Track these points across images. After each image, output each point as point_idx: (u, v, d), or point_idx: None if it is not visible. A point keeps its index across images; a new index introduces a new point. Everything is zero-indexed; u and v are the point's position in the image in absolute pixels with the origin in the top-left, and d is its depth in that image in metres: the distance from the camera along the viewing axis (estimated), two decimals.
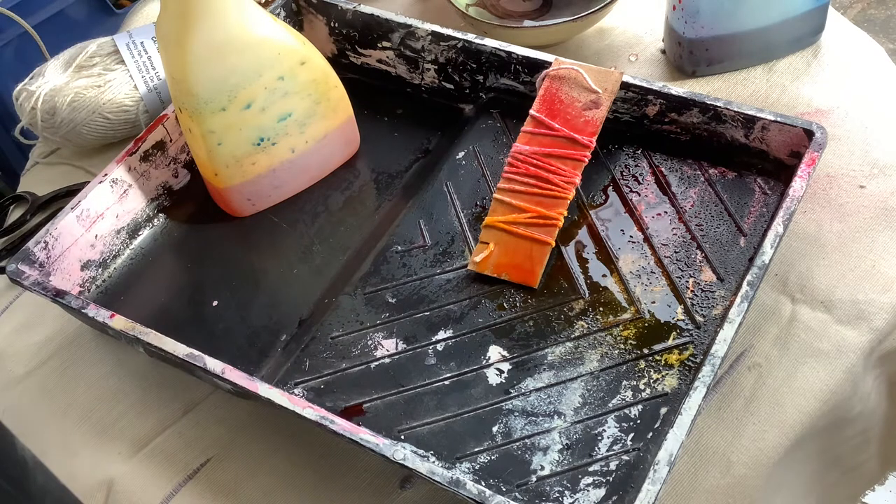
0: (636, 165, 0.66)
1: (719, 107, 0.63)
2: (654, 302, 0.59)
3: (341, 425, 0.51)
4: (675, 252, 0.61)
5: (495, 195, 0.62)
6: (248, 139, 0.65)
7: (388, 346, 0.59)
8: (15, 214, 0.78)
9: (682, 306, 0.58)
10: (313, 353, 0.60)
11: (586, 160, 0.61)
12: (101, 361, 0.65)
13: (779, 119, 0.61)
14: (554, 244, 0.61)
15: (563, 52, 0.72)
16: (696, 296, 0.58)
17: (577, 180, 0.61)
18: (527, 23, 0.77)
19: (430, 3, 0.84)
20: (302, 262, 0.66)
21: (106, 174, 0.66)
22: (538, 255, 0.61)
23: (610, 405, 0.55)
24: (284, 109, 0.65)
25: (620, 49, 0.76)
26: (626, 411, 0.54)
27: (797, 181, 0.58)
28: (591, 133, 0.61)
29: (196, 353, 0.56)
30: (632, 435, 0.53)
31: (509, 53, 0.68)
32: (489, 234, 0.62)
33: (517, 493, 0.52)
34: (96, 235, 0.66)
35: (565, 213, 0.61)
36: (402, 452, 0.50)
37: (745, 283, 0.54)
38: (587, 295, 0.60)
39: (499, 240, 0.61)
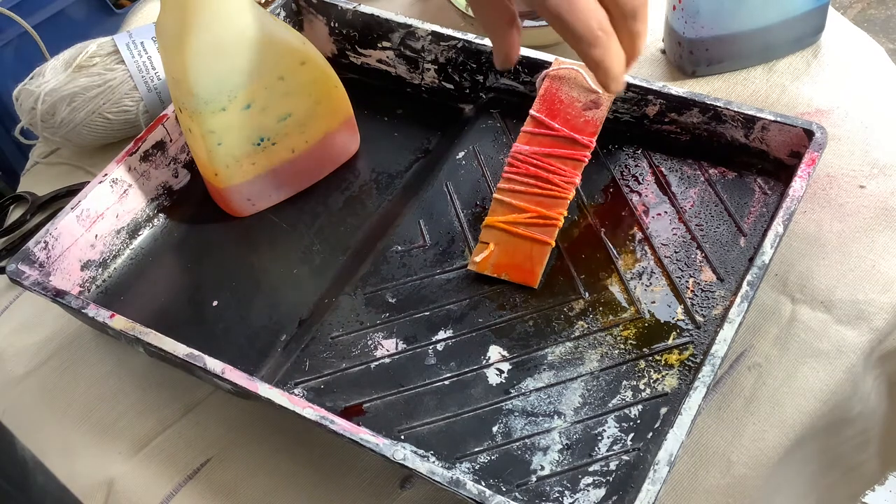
0: (636, 165, 0.66)
1: (719, 107, 0.63)
2: (654, 302, 0.59)
3: (341, 425, 0.51)
4: (675, 252, 0.61)
5: (495, 195, 0.62)
6: (248, 139, 0.65)
7: (388, 346, 0.59)
8: (15, 214, 0.78)
9: (682, 306, 0.58)
10: (313, 353, 0.60)
11: (586, 160, 0.61)
12: (101, 361, 0.65)
13: (779, 119, 0.61)
14: (554, 244, 0.61)
15: (563, 52, 0.72)
16: (696, 296, 0.58)
17: (577, 180, 0.61)
18: (527, 23, 0.77)
19: (430, 3, 0.84)
20: (302, 262, 0.66)
21: (106, 174, 0.66)
22: (538, 255, 0.61)
23: (610, 405, 0.55)
24: (284, 109, 0.65)
25: None
26: (626, 411, 0.54)
27: (797, 181, 0.58)
28: (591, 133, 0.61)
29: (196, 353, 0.56)
30: (632, 435, 0.53)
31: None
32: (489, 234, 0.62)
33: (517, 493, 0.52)
34: (96, 235, 0.66)
35: (565, 213, 0.61)
36: (402, 452, 0.50)
37: (745, 283, 0.54)
38: (587, 295, 0.60)
39: (499, 240, 0.61)
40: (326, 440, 0.57)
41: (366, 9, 0.73)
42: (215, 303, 0.64)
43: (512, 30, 0.59)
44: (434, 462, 0.52)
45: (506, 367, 0.57)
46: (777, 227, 0.56)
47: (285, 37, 0.63)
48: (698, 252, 0.60)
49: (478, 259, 0.61)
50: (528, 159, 0.61)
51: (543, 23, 0.76)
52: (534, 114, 0.62)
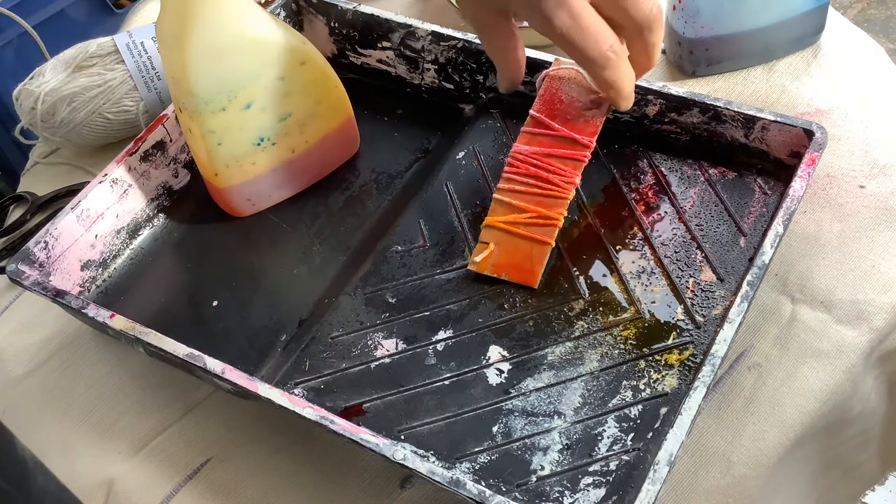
0: (636, 165, 0.66)
1: (719, 107, 0.63)
2: (654, 302, 0.59)
3: (341, 425, 0.51)
4: (675, 252, 0.61)
5: (495, 195, 0.62)
6: (248, 139, 0.65)
7: (388, 346, 0.59)
8: (15, 214, 0.78)
9: (682, 306, 0.58)
10: (313, 353, 0.60)
11: (586, 160, 0.61)
12: (101, 361, 0.65)
13: (779, 119, 0.61)
14: (554, 244, 0.61)
15: (563, 53, 0.72)
16: (696, 296, 0.58)
17: (577, 180, 0.61)
18: (526, 23, 0.77)
19: (430, 3, 0.84)
20: (302, 262, 0.66)
21: (106, 174, 0.66)
22: (538, 255, 0.61)
23: (610, 405, 0.55)
24: (284, 109, 0.65)
25: None
26: (626, 411, 0.54)
27: (797, 181, 0.58)
28: (590, 133, 0.61)
29: (196, 353, 0.56)
30: (632, 435, 0.53)
31: None
32: (489, 234, 0.62)
33: (517, 493, 0.52)
34: (96, 235, 0.66)
35: (565, 213, 0.61)
36: (402, 452, 0.50)
37: (745, 283, 0.54)
38: (587, 295, 0.60)
39: (499, 240, 0.61)
40: (326, 440, 0.57)
41: (366, 9, 0.73)
42: (215, 303, 0.64)
43: (517, 53, 0.59)
44: (434, 462, 0.52)
45: (506, 367, 0.57)
46: (777, 227, 0.56)
47: (285, 37, 0.63)
48: (698, 252, 0.60)
49: (478, 259, 0.61)
50: (527, 159, 0.61)
51: None
52: (533, 114, 0.62)
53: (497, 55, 0.60)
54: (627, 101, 0.56)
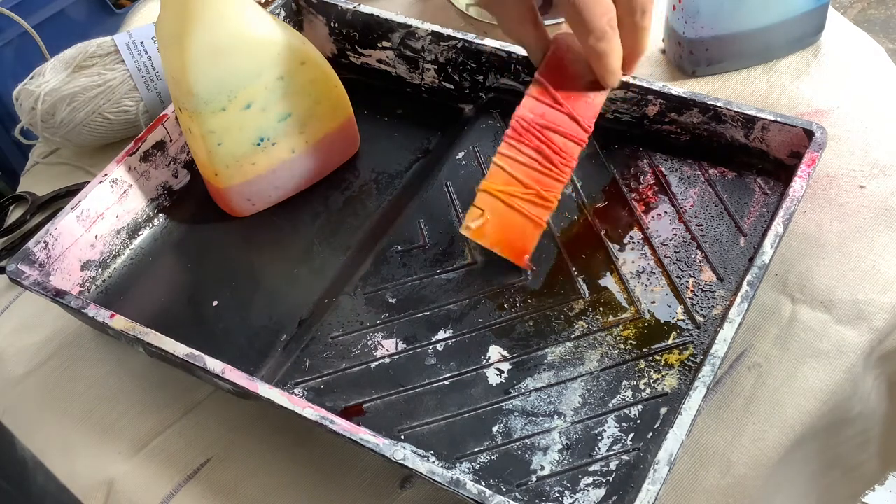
0: (636, 165, 0.66)
1: (719, 107, 0.63)
2: (654, 302, 0.59)
3: (341, 425, 0.51)
4: (675, 252, 0.61)
5: (495, 160, 0.60)
6: (248, 139, 0.65)
7: (388, 346, 0.59)
8: (15, 214, 0.78)
9: (682, 306, 0.58)
10: (313, 353, 0.60)
11: (584, 143, 0.59)
12: (101, 361, 0.65)
13: (779, 119, 0.61)
14: (546, 226, 0.60)
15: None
16: (696, 296, 0.58)
17: (574, 163, 0.59)
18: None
19: (430, 3, 0.84)
20: (302, 262, 0.66)
21: (106, 174, 0.66)
22: (531, 235, 0.60)
23: (610, 405, 0.55)
24: (284, 109, 0.65)
25: None
26: (626, 411, 0.54)
27: (797, 181, 0.58)
28: (591, 116, 0.59)
29: (196, 353, 0.56)
30: (632, 435, 0.53)
31: (509, 53, 0.68)
32: (485, 200, 0.60)
33: (517, 493, 0.52)
34: (96, 235, 0.66)
35: (559, 195, 0.59)
36: (402, 452, 0.50)
37: (745, 283, 0.54)
38: (587, 295, 0.60)
39: (494, 208, 0.59)
40: (326, 440, 0.57)
41: (366, 9, 0.73)
42: (215, 303, 0.64)
43: (539, 27, 0.60)
44: (434, 462, 0.52)
45: (506, 367, 0.57)
46: (777, 227, 0.56)
47: (285, 37, 0.63)
48: (698, 252, 0.60)
49: (473, 225, 0.60)
50: (531, 129, 0.59)
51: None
52: (538, 78, 0.60)
53: (518, 29, 0.60)
54: (614, 77, 0.58)
